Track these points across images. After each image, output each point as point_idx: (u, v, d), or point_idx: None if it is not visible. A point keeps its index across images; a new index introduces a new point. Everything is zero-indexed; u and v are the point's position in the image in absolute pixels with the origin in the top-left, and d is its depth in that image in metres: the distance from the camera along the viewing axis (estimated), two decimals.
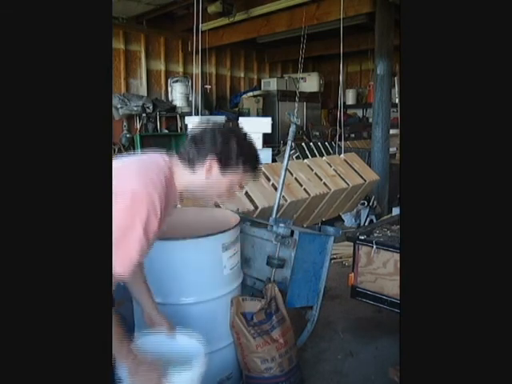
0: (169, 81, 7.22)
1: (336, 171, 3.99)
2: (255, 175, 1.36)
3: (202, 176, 1.29)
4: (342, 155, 4.37)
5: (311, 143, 6.49)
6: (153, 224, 1.18)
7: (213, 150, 1.26)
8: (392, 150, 5.32)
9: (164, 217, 1.24)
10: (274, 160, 5.77)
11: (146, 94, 7.05)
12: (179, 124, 7.14)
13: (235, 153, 1.27)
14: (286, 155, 2.35)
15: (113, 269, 1.05)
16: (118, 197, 1.08)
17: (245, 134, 1.33)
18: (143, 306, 1.56)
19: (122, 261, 1.13)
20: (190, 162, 1.29)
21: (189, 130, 1.19)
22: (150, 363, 1.26)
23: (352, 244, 2.45)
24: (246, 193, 3.21)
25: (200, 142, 1.28)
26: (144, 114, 6.67)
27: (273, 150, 6.09)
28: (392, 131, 5.03)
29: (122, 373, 1.22)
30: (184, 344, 1.46)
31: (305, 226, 3.62)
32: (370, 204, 4.67)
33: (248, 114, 7.49)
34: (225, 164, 1.27)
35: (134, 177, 1.20)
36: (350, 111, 8.71)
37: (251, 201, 3.15)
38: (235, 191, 1.39)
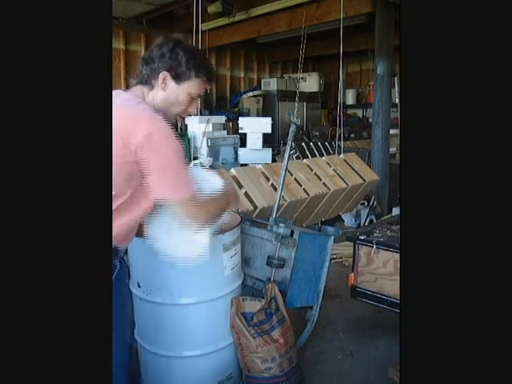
0: None
1: (336, 171, 3.99)
2: (209, 80, 1.49)
3: (160, 90, 1.44)
4: (341, 155, 4.37)
5: (311, 143, 6.49)
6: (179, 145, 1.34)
7: (162, 63, 1.41)
8: (392, 149, 5.32)
9: None
10: (274, 160, 5.77)
11: None
12: (179, 124, 7.13)
13: (184, 61, 1.41)
14: (286, 155, 2.35)
15: (181, 197, 1.32)
16: (144, 142, 1.27)
17: (196, 49, 1.55)
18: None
19: (184, 185, 1.34)
20: (148, 82, 1.45)
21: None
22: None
23: (352, 244, 2.45)
24: (246, 193, 3.21)
25: (150, 61, 1.44)
26: None
27: (273, 150, 6.09)
28: (392, 131, 5.03)
29: None
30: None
31: (304, 225, 3.62)
32: (370, 204, 4.67)
33: (248, 114, 7.48)
34: (176, 74, 1.42)
35: (142, 118, 1.33)
36: (349, 111, 8.70)
37: (251, 201, 3.15)
38: (195, 100, 1.50)
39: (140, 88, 1.48)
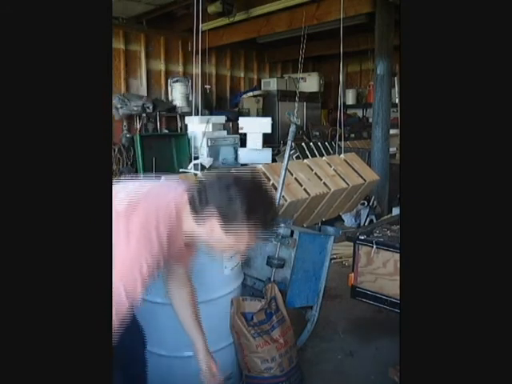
0: (169, 81, 7.22)
1: (336, 171, 3.99)
2: (263, 230, 1.18)
3: (205, 232, 1.18)
4: (341, 155, 4.37)
5: (311, 143, 6.50)
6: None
7: (216, 209, 1.13)
8: (392, 149, 5.33)
9: (165, 253, 1.19)
10: (274, 160, 5.78)
11: (145, 94, 7.05)
12: (179, 124, 7.14)
13: (241, 215, 1.11)
14: (286, 155, 2.36)
15: None
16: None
17: (258, 190, 1.17)
18: (192, 340, 1.53)
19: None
20: (195, 212, 1.18)
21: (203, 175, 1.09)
22: None
23: (352, 244, 2.45)
24: None
25: (204, 197, 1.15)
26: (144, 114, 6.66)
27: (273, 150, 6.10)
28: (392, 131, 5.03)
29: None
30: None
31: (305, 225, 3.62)
32: (370, 204, 4.68)
33: (248, 114, 7.49)
34: (228, 226, 1.13)
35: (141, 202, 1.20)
36: (349, 111, 8.70)
37: None
38: (242, 250, 1.27)
39: (188, 208, 1.20)
